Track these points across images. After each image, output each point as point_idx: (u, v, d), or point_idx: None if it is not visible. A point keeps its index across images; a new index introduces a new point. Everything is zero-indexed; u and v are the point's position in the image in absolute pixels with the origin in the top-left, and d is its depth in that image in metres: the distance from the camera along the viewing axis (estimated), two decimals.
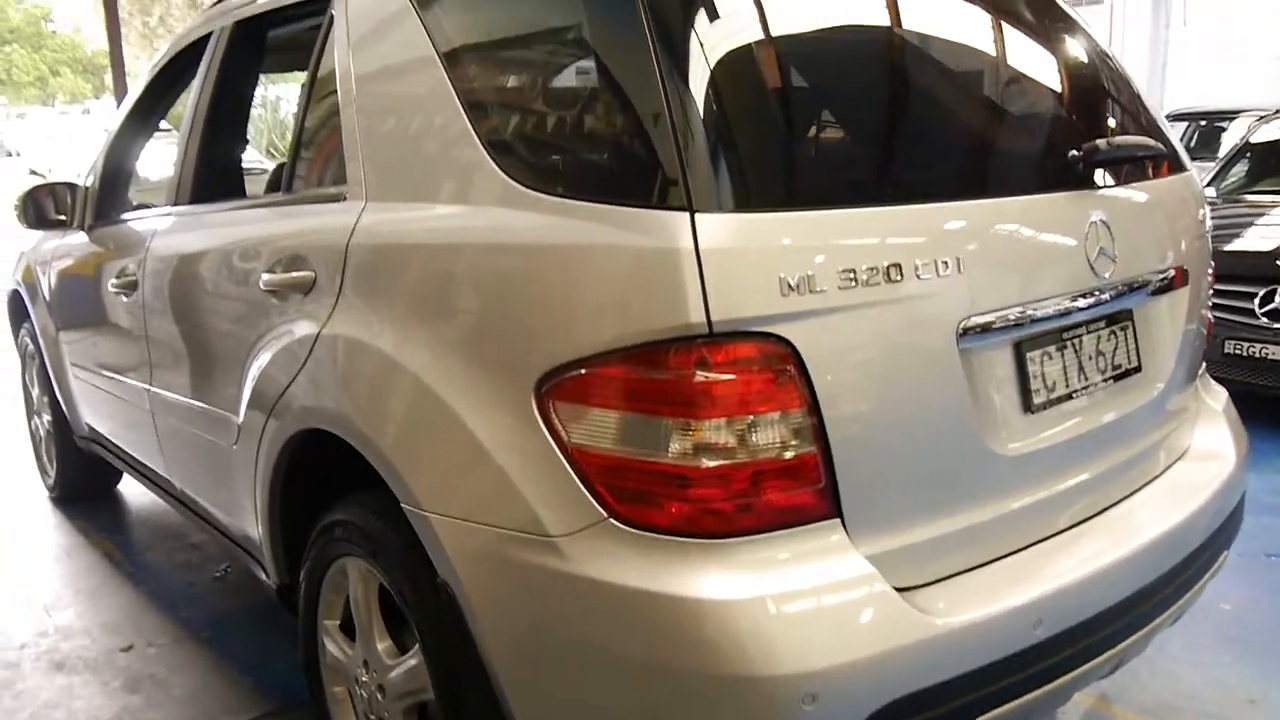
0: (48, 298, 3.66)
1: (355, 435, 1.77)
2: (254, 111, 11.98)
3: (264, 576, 2.35)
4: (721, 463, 1.36)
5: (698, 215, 1.34)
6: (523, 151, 1.64)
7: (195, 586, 3.33)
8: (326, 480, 2.02)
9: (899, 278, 1.43)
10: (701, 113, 1.41)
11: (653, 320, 1.35)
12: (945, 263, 1.48)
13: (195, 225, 2.57)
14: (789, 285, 1.35)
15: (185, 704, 2.62)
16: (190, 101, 2.71)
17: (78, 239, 3.37)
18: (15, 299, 4.07)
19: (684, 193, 1.35)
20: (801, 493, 1.40)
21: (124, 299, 2.85)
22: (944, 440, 1.53)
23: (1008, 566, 1.60)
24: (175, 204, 2.69)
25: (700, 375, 1.34)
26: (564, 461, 1.44)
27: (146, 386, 2.81)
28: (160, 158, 3.55)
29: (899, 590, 1.44)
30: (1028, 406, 1.66)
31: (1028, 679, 1.54)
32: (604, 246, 1.41)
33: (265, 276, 2.05)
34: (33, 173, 24.34)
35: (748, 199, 1.39)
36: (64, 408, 3.76)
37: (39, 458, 4.30)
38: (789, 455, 1.38)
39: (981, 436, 1.57)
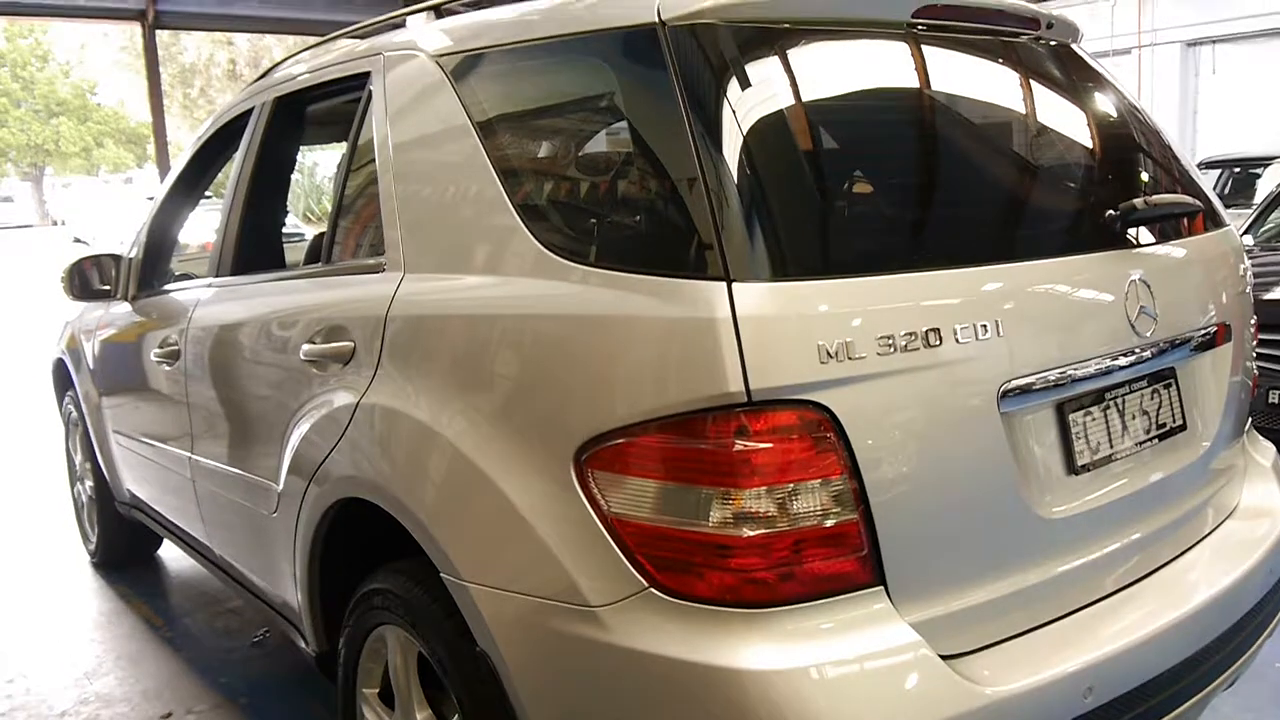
0: (91, 366, 3.72)
1: (393, 504, 1.78)
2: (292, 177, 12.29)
3: (302, 644, 2.35)
4: (763, 532, 1.35)
5: (735, 284, 1.35)
6: (557, 220, 1.66)
7: (234, 652, 3.33)
8: (366, 548, 2.03)
9: (938, 342, 1.43)
10: (736, 180, 1.43)
11: (691, 390, 1.35)
12: (984, 325, 1.48)
13: (237, 296, 2.61)
14: (827, 353, 1.35)
15: None
16: (232, 174, 2.77)
17: (121, 309, 3.44)
18: (60, 368, 4.15)
19: (720, 261, 1.36)
20: (844, 560, 1.39)
21: (166, 368, 2.90)
22: (987, 505, 1.52)
23: (1055, 632, 1.57)
24: (217, 275, 2.74)
25: (739, 444, 1.34)
26: (603, 530, 1.44)
27: (188, 454, 2.85)
28: (203, 228, 3.62)
29: (945, 658, 1.42)
30: (1071, 468, 1.64)
31: None
32: (640, 317, 1.42)
33: (305, 347, 2.08)
34: (77, 240, 24.94)
35: (784, 267, 1.40)
36: (106, 474, 3.80)
37: (81, 524, 4.34)
38: (830, 523, 1.37)
39: (1025, 500, 1.56)
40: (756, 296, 1.35)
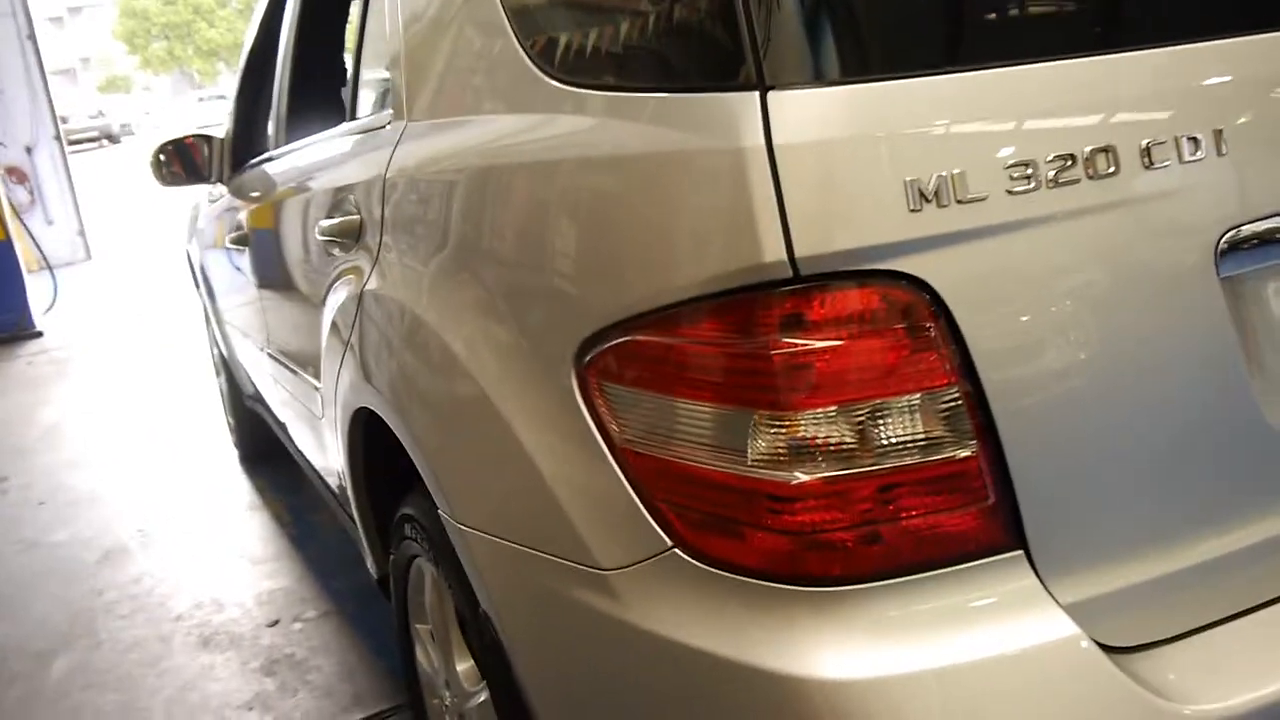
0: (202, 256, 3.55)
1: (391, 420, 1.42)
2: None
3: (368, 565, 2.07)
4: (830, 473, 0.89)
5: (772, 94, 0.86)
6: (552, 27, 1.18)
7: (350, 554, 3.14)
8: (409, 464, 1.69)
9: (1112, 168, 0.89)
10: None
11: (710, 260, 0.89)
12: (1194, 140, 0.93)
13: (280, 169, 2.28)
14: (922, 193, 0.85)
15: (317, 692, 2.42)
16: (285, 22, 2.41)
17: (218, 192, 3.21)
18: (187, 257, 4.03)
19: (750, 58, 0.87)
20: (960, 513, 0.91)
21: (238, 256, 2.64)
22: (1196, 418, 0.98)
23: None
24: (275, 146, 2.42)
25: (785, 341, 0.87)
26: (614, 465, 1.01)
27: (267, 350, 2.60)
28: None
29: (1112, 652, 0.93)
30: None
31: None
32: (645, 155, 0.95)
33: (322, 222, 1.72)
34: None
35: (853, 61, 0.89)
36: (231, 366, 3.67)
37: (226, 416, 4.29)
38: (937, 457, 0.89)
39: (1260, 407, 1.02)
40: (804, 109, 0.86)
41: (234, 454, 4.17)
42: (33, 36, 9.66)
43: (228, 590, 2.99)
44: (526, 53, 1.16)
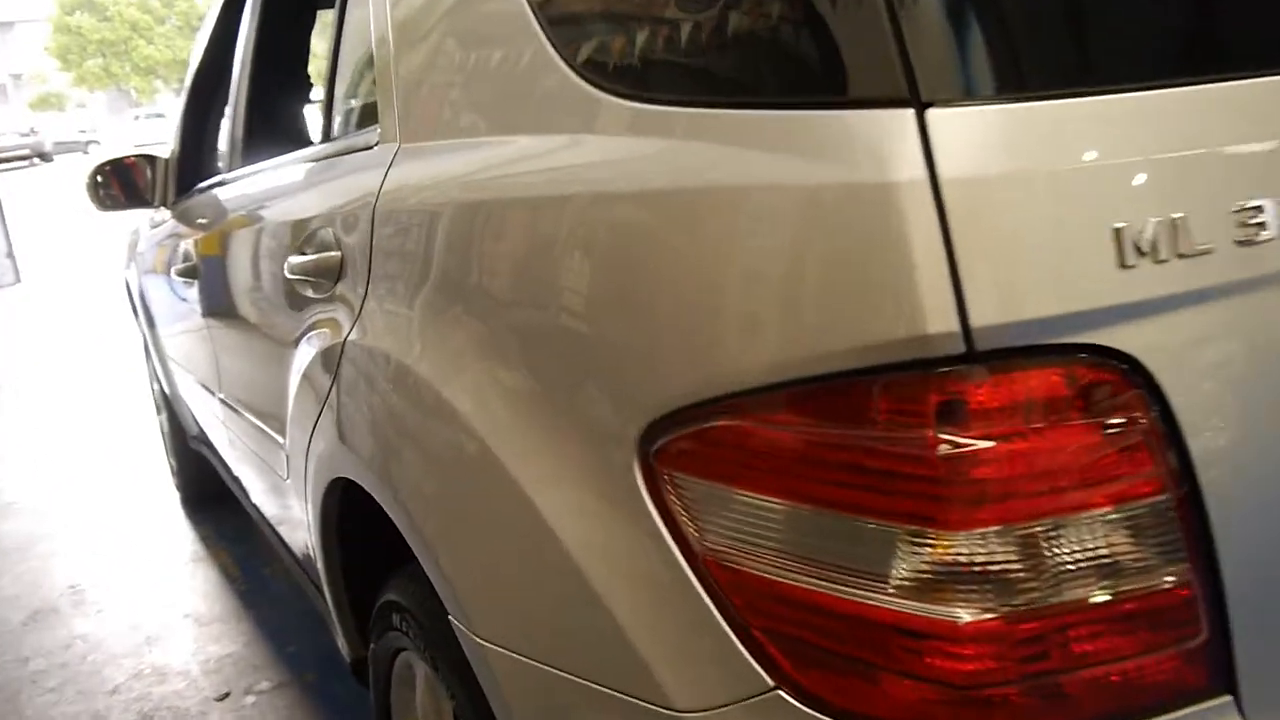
0: (142, 285, 3.27)
1: (384, 498, 1.18)
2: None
3: (339, 643, 1.82)
4: (1002, 609, 0.68)
5: (931, 111, 0.65)
6: (603, 32, 0.97)
7: (308, 615, 2.88)
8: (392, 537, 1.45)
9: None
10: None
11: (849, 327, 0.67)
12: None
13: (236, 194, 2.04)
14: (1136, 246, 0.65)
15: None
16: (242, 33, 2.17)
17: (162, 217, 2.94)
18: (126, 286, 3.74)
19: (898, 68, 0.67)
20: (1162, 655, 0.70)
21: (188, 287, 2.38)
22: None
23: None
24: (229, 169, 2.17)
25: (950, 436, 0.66)
26: (693, 579, 0.79)
27: (217, 394, 2.33)
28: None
29: None
30: None
31: None
32: (754, 187, 0.73)
33: (292, 259, 1.48)
34: None
35: (1038, 69, 0.69)
36: (174, 404, 3.38)
37: (167, 456, 3.98)
38: (1141, 585, 0.69)
39: None
40: (976, 132, 0.65)
41: (176, 496, 3.87)
42: None
43: (170, 657, 2.70)
44: (566, 61, 0.94)
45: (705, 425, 0.77)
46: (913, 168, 0.64)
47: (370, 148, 1.34)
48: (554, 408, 0.92)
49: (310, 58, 2.20)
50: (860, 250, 0.66)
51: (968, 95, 0.66)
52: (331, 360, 1.33)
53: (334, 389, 1.33)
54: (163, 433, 3.97)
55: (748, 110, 0.76)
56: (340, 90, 1.63)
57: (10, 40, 49.02)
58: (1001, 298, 0.63)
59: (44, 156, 34.16)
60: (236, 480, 2.64)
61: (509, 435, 0.96)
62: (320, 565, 1.63)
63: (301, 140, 2.18)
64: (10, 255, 9.90)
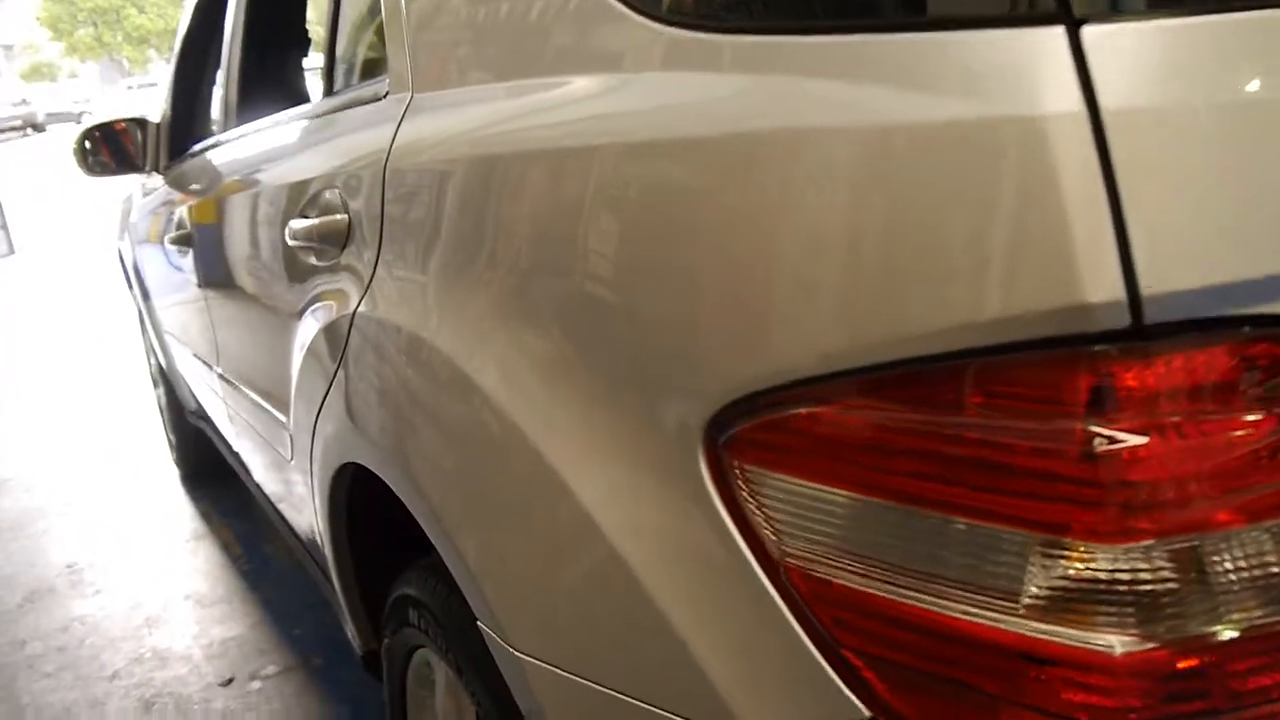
0: (135, 255, 3.15)
1: (398, 486, 1.07)
2: None
3: (348, 633, 1.72)
4: (1161, 637, 0.56)
5: (1087, 29, 0.53)
6: None
7: (313, 596, 2.77)
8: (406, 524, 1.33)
9: None
10: None
11: (982, 296, 0.55)
12: None
13: (231, 156, 1.91)
14: None
15: None
16: None
17: (154, 183, 2.81)
18: (119, 256, 3.61)
19: None
20: None
21: (181, 256, 2.25)
22: None
23: None
24: (224, 129, 2.04)
25: (1111, 427, 0.54)
26: (770, 591, 0.68)
27: (215, 368, 2.22)
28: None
29: None
30: None
31: None
32: (839, 130, 0.61)
33: (292, 224, 1.36)
34: None
35: None
36: (171, 379, 3.27)
37: (165, 431, 3.87)
38: None
39: None
40: (1142, 55, 0.53)
41: (175, 472, 3.76)
42: None
43: (172, 640, 2.61)
44: (633, 6, 0.81)
45: (789, 411, 0.65)
46: (1067, 97, 0.52)
47: (379, 99, 1.21)
48: (606, 395, 0.80)
49: (308, 8, 2.06)
50: (997, 201, 0.54)
51: (1128, 12, 0.54)
52: (339, 334, 1.21)
53: (342, 366, 1.22)
54: (160, 407, 3.86)
55: (845, 36, 0.63)
56: (343, 39, 1.50)
57: (1, 11, 48.43)
58: (1177, 259, 0.52)
59: (36, 127, 33.81)
60: (236, 456, 2.53)
61: (552, 423, 0.84)
62: (329, 553, 1.52)
63: (300, 98, 2.06)
64: (4, 226, 9.75)
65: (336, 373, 1.23)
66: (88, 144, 2.67)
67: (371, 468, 1.17)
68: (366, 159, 1.17)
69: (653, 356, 0.75)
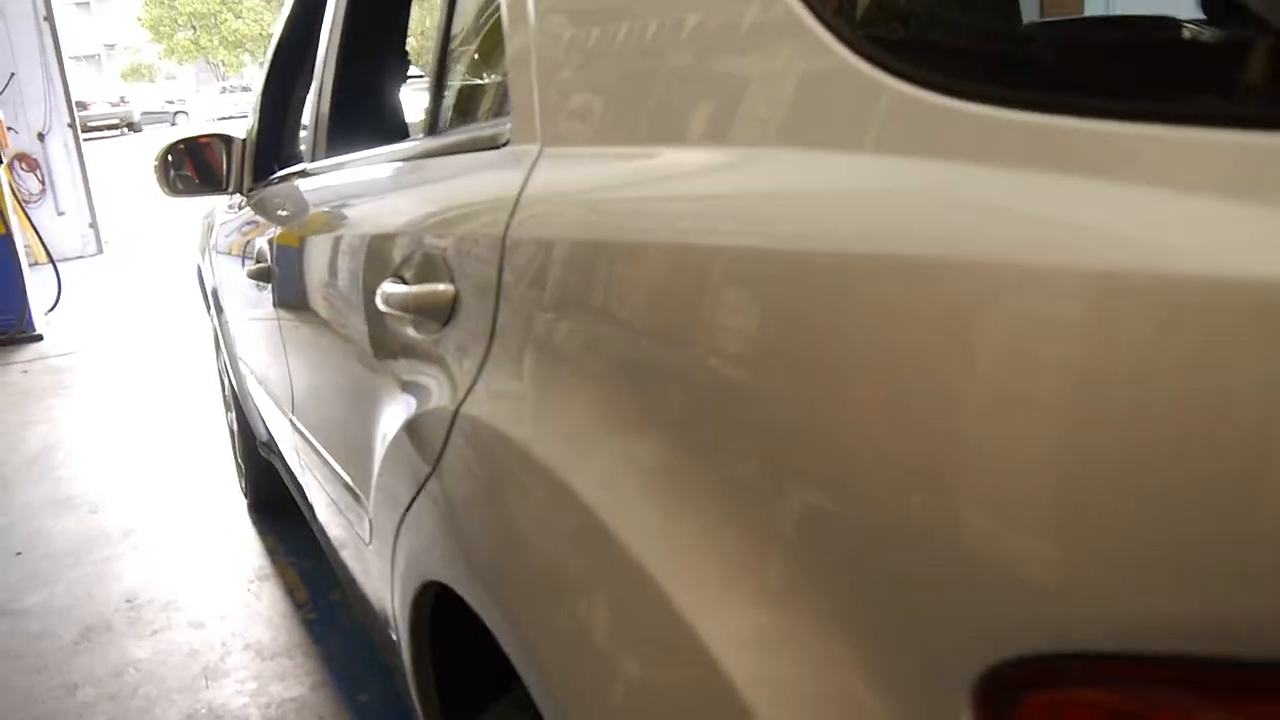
0: (214, 278, 3.00)
1: (505, 635, 0.85)
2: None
3: None
4: None
5: None
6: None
7: (382, 657, 2.58)
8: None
9: None
10: None
11: None
12: None
13: (318, 189, 1.72)
14: None
15: None
16: (327, 17, 1.84)
17: (237, 204, 2.65)
18: (199, 275, 3.48)
19: None
20: None
21: (261, 290, 2.08)
22: None
23: None
24: (312, 159, 1.86)
25: None
26: None
27: (290, 416, 2.03)
28: None
29: None
30: None
31: None
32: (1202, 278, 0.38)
33: (385, 287, 1.15)
34: None
35: None
36: (243, 407, 3.11)
37: (234, 457, 3.73)
38: None
39: None
40: None
41: (241, 500, 3.62)
42: (50, 18, 9.17)
43: (229, 695, 2.43)
44: (845, 40, 0.59)
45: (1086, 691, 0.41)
46: None
47: (496, 147, 1.00)
48: (806, 585, 0.57)
49: (407, 33, 1.87)
50: None
51: None
52: (436, 432, 0.99)
53: (436, 473, 1.00)
54: (231, 432, 3.72)
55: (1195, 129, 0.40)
56: (452, 70, 1.29)
57: (104, 10, 50.03)
58: None
59: (132, 126, 34.80)
60: (309, 505, 2.34)
61: (709, 601, 0.62)
62: (407, 662, 1.30)
63: (397, 127, 1.86)
64: (94, 225, 9.86)
65: (429, 479, 1.01)
66: (170, 158, 2.52)
67: (467, 599, 0.95)
68: (481, 219, 0.95)
69: (894, 557, 0.51)
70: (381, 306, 1.15)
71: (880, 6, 0.63)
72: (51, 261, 7.48)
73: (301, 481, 2.31)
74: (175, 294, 7.40)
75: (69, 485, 3.93)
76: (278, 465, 2.88)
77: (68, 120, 9.50)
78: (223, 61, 43.88)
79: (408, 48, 1.87)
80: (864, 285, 0.54)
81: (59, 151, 9.43)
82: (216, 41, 41.79)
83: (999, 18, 0.70)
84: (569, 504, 0.75)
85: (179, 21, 41.29)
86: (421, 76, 1.65)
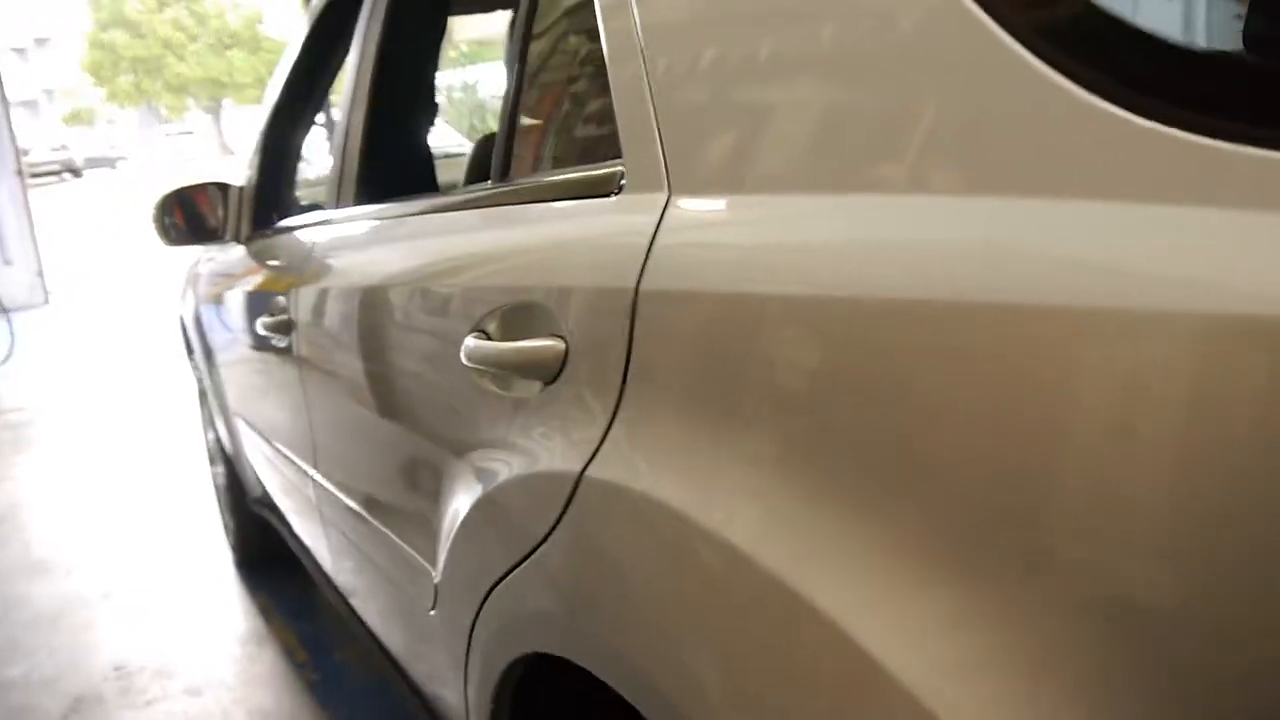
0: (205, 328, 2.90)
1: (654, 710, 0.80)
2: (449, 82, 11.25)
3: None
4: None
5: None
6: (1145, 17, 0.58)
7: (396, 716, 2.48)
8: None
9: None
10: None
11: None
12: None
13: (361, 240, 1.66)
14: None
15: None
16: (352, 54, 1.79)
17: (234, 254, 2.57)
18: (181, 326, 3.38)
19: None
20: None
21: (277, 343, 2.00)
22: None
23: None
24: (338, 205, 1.80)
25: None
26: None
27: (311, 472, 1.95)
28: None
29: None
30: None
31: None
32: None
33: (470, 342, 1.09)
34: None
35: None
36: (235, 462, 3.01)
37: (221, 511, 3.60)
38: None
39: None
40: None
41: (229, 557, 3.49)
42: None
43: None
44: (1065, 72, 0.56)
45: None
46: None
47: (608, 194, 0.95)
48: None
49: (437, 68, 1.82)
50: None
51: None
52: (553, 497, 0.93)
53: (553, 537, 0.94)
54: (217, 488, 3.60)
55: None
56: (528, 111, 1.24)
57: (43, 55, 49.30)
58: None
59: (74, 171, 34.24)
60: (318, 565, 2.25)
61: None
62: None
63: (428, 175, 1.81)
64: (40, 274, 9.60)
65: (542, 544, 0.95)
66: (167, 207, 2.44)
67: (595, 672, 0.89)
68: (602, 274, 0.91)
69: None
70: (465, 362, 1.10)
71: (1108, 48, 0.59)
72: (4, 311, 7.26)
73: (311, 542, 2.22)
74: (130, 345, 7.21)
75: (40, 547, 3.77)
76: (274, 521, 2.78)
77: (15, 168, 9.28)
78: (166, 105, 43.35)
79: (441, 94, 1.82)
80: (1093, 346, 0.51)
81: (5, 200, 9.20)
82: (159, 85, 41.27)
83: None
84: (753, 577, 0.70)
85: (121, 65, 40.74)
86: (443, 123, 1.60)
